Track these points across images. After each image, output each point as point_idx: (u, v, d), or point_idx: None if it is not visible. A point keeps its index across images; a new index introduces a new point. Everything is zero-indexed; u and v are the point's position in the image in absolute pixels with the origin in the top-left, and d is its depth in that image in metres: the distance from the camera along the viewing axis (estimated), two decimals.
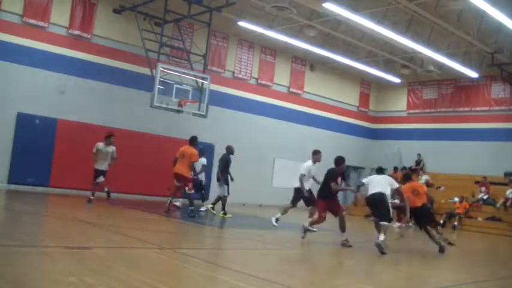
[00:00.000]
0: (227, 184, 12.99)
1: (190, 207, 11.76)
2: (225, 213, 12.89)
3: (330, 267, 7.55)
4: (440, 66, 20.61)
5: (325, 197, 9.43)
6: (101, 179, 12.58)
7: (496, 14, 14.08)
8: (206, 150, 14.96)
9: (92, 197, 12.58)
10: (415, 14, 15.88)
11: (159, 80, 14.64)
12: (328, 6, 14.47)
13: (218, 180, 13.09)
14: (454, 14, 16.00)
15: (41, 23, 15.12)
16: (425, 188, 10.70)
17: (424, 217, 9.99)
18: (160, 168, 14.95)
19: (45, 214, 10.45)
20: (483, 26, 16.39)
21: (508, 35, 16.51)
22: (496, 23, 15.26)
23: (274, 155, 18.35)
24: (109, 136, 12.72)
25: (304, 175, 11.32)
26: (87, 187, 15.26)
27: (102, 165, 12.64)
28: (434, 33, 17.32)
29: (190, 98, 15.58)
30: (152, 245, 7.26)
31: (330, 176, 9.40)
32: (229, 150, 13.24)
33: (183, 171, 11.65)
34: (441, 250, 9.71)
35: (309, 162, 11.50)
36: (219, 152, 18.20)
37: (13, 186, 14.30)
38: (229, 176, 13.10)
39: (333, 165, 9.57)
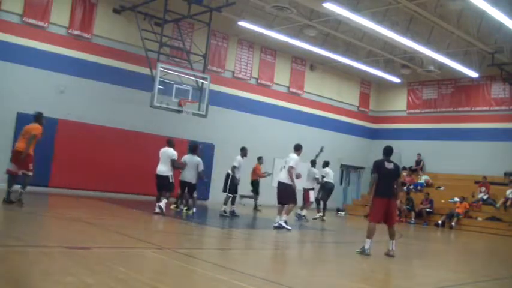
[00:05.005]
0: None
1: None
2: (179, 206, 13.55)
3: (330, 266, 7.55)
4: (440, 66, 20.59)
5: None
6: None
7: (496, 14, 14.07)
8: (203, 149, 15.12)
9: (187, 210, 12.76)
10: (415, 14, 15.88)
11: (159, 80, 14.64)
12: (328, 6, 14.46)
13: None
14: (454, 14, 16.00)
15: (40, 23, 15.11)
16: None
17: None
18: None
19: (45, 214, 10.44)
20: (483, 26, 16.38)
21: (508, 35, 16.51)
22: (496, 23, 15.26)
23: (274, 155, 18.31)
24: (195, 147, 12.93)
25: (293, 168, 10.84)
26: (87, 187, 15.33)
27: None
28: (434, 33, 17.32)
29: (190, 98, 15.57)
30: (152, 245, 7.26)
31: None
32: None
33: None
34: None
35: (295, 155, 11.06)
36: (219, 151, 18.34)
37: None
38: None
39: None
